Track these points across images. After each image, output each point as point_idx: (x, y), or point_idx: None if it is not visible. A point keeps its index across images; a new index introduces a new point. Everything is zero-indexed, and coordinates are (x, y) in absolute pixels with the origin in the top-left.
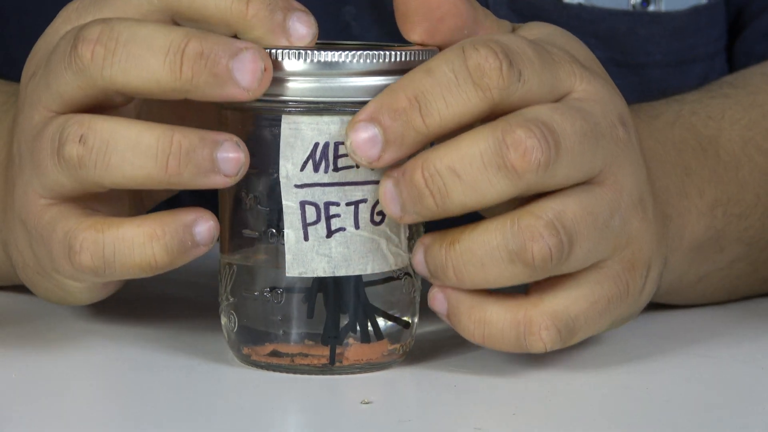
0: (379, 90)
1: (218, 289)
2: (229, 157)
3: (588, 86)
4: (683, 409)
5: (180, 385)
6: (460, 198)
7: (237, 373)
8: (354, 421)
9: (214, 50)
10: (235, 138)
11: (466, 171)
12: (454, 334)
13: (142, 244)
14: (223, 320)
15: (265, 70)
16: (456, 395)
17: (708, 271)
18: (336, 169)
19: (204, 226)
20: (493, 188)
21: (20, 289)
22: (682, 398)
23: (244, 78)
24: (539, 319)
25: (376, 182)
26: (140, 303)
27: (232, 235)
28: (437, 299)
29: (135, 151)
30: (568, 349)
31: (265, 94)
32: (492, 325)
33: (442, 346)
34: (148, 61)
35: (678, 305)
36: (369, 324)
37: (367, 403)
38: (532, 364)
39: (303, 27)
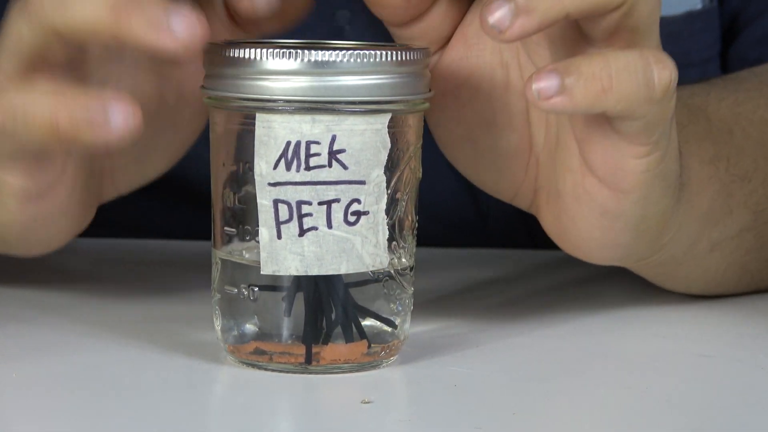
0: (351, 90)
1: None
2: (182, 18)
3: None
4: (683, 409)
5: (181, 385)
6: None
7: (235, 372)
8: (354, 420)
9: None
10: (196, 11)
11: None
12: (453, 333)
13: (48, 104)
14: (213, 317)
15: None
16: (456, 395)
17: (719, 239)
18: (308, 168)
19: (120, 110)
20: None
21: (20, 288)
22: (682, 398)
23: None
24: (659, 52)
25: (350, 182)
26: (140, 303)
27: (219, 232)
28: (545, 75)
29: None
30: (567, 349)
31: (245, 92)
32: (618, 60)
33: (442, 346)
34: None
35: (695, 295)
36: (351, 324)
37: (367, 402)
38: (532, 365)
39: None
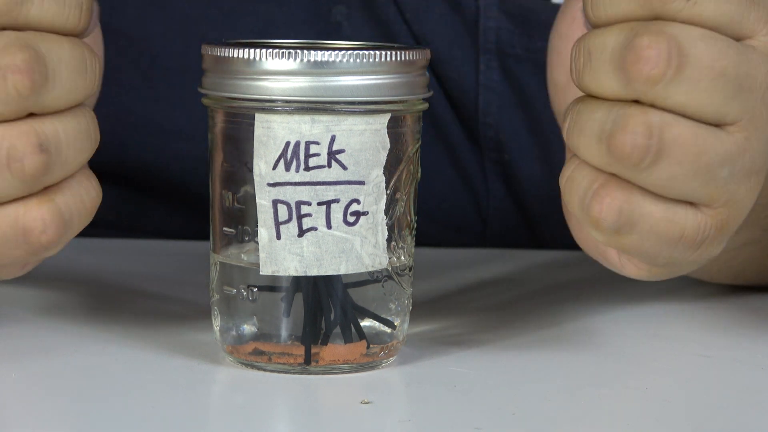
0: (350, 90)
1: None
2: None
3: None
4: (683, 409)
5: (179, 385)
6: (589, 78)
7: (234, 373)
8: (354, 420)
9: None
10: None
11: (596, 57)
12: (453, 333)
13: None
14: (212, 318)
15: None
16: (455, 395)
17: None
18: (307, 168)
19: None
20: (608, 82)
21: (20, 288)
22: (682, 398)
23: None
24: (612, 186)
25: (349, 183)
26: (139, 303)
27: (217, 233)
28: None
29: None
30: (567, 348)
31: (244, 92)
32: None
33: (441, 346)
34: None
35: (677, 299)
36: (350, 324)
37: (367, 402)
38: (531, 365)
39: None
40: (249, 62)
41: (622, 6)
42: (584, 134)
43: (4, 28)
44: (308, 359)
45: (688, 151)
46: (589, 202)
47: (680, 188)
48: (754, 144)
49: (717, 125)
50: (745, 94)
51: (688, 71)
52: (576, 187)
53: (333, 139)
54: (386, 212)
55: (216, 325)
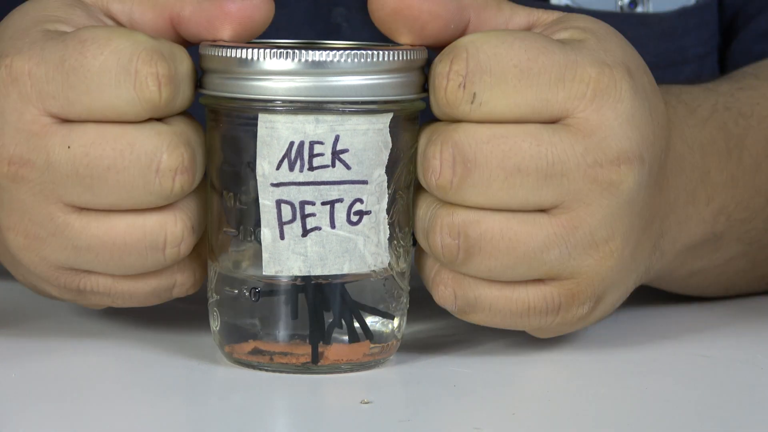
0: (354, 90)
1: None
2: None
3: (591, 115)
4: (683, 409)
5: (179, 385)
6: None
7: (233, 373)
8: (354, 420)
9: None
10: None
11: (418, 156)
12: (452, 333)
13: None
14: (210, 318)
15: None
16: (455, 395)
17: (702, 267)
18: (311, 168)
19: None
20: (424, 182)
21: (20, 288)
22: (682, 398)
23: None
24: (443, 275)
25: (353, 182)
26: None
27: (217, 234)
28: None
29: None
30: (567, 349)
31: (244, 93)
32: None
33: (441, 345)
34: None
35: (677, 299)
36: (355, 323)
37: (366, 402)
38: (532, 364)
39: None
40: (248, 62)
41: (434, 109)
42: (415, 227)
43: (151, 118)
44: (315, 358)
45: (500, 245)
46: (431, 288)
47: (507, 275)
48: (587, 219)
49: (540, 210)
50: (556, 179)
51: (475, 175)
52: (423, 271)
53: (337, 138)
54: (388, 211)
55: (216, 325)
